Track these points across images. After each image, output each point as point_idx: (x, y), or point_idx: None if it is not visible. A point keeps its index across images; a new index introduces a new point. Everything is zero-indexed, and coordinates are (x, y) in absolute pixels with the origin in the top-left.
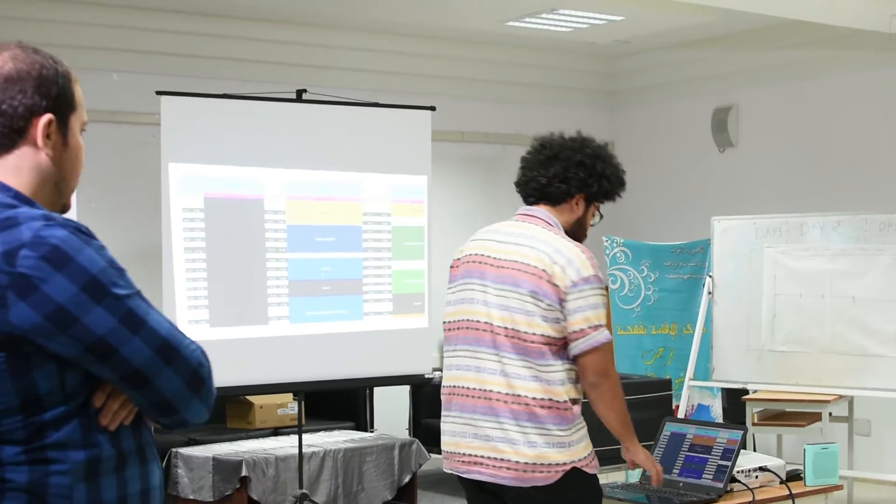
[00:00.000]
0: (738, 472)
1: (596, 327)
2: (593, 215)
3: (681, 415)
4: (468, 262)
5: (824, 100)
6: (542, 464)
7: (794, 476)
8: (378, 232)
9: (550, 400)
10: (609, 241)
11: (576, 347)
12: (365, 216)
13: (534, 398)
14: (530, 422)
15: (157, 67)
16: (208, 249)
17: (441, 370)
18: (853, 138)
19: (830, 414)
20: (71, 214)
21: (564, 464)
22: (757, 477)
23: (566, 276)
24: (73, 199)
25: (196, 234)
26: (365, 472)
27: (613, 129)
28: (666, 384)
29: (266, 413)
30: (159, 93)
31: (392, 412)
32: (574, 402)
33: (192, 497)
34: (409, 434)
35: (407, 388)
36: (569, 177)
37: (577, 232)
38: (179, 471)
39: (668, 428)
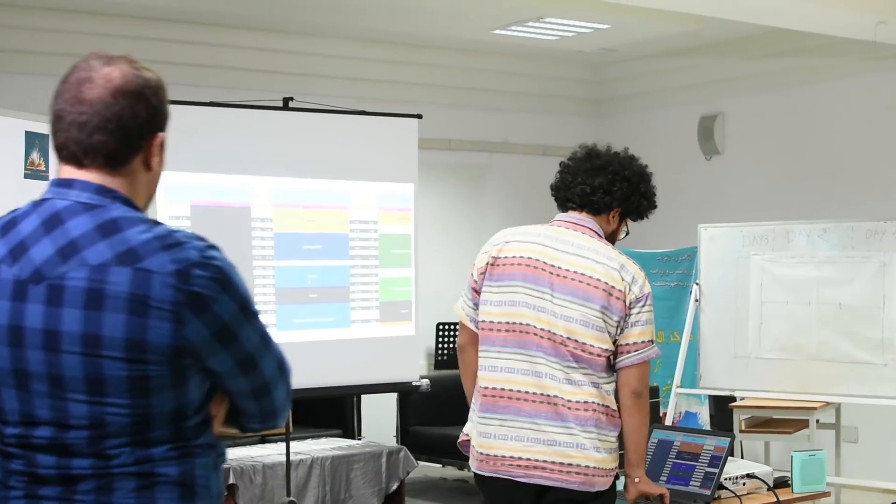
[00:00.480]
0: (725, 479)
1: (649, 343)
2: (622, 230)
3: (668, 422)
4: (518, 264)
5: (810, 108)
6: (603, 468)
7: (782, 483)
8: (365, 240)
9: (608, 408)
10: None
11: (627, 359)
12: (352, 224)
13: (598, 404)
14: (596, 428)
15: None
16: None
17: (428, 378)
18: (839, 146)
19: (818, 421)
20: None
21: (615, 469)
22: (744, 484)
23: (631, 293)
24: None
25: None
26: (352, 480)
27: (600, 136)
28: (653, 391)
29: None
30: None
31: (379, 419)
32: (617, 410)
33: None
34: (397, 441)
35: (394, 395)
36: (614, 190)
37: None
38: None
39: (656, 435)
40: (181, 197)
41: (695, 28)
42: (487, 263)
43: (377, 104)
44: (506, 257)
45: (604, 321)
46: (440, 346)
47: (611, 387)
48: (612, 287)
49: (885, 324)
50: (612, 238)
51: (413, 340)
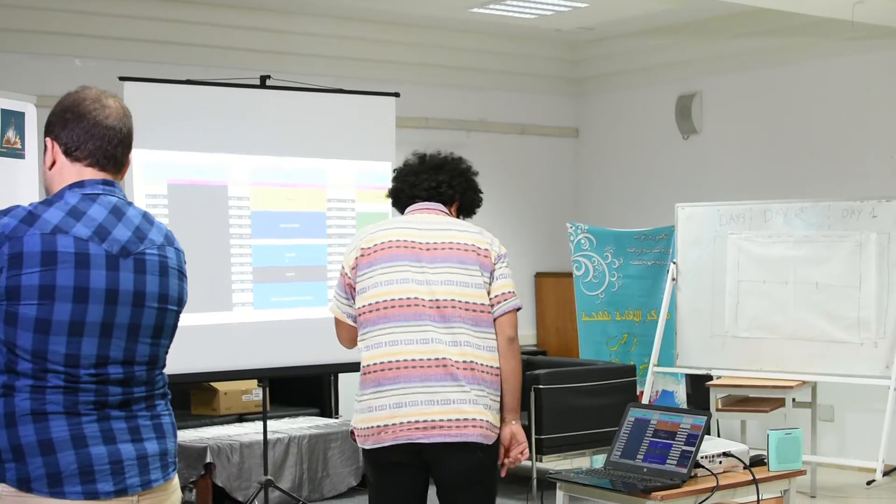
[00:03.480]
0: (701, 457)
1: (513, 293)
2: None
3: (645, 400)
4: (390, 247)
5: (788, 87)
6: (494, 424)
7: (758, 461)
8: (342, 218)
9: (492, 367)
10: (573, 228)
11: (499, 308)
12: (329, 202)
13: (486, 365)
14: (486, 386)
15: (120, 53)
16: None
17: None
18: (817, 126)
19: (794, 400)
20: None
21: (498, 425)
22: (721, 462)
23: (493, 252)
24: (35, 188)
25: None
26: (330, 459)
27: (578, 115)
28: (630, 370)
29: (230, 399)
30: (122, 78)
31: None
32: (499, 368)
33: None
34: None
35: None
36: (454, 183)
37: None
38: None
39: (633, 414)
40: (158, 176)
41: (673, 7)
42: (356, 257)
43: (355, 82)
44: (375, 245)
45: (481, 278)
46: None
47: (493, 343)
48: (479, 248)
49: (862, 303)
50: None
51: None
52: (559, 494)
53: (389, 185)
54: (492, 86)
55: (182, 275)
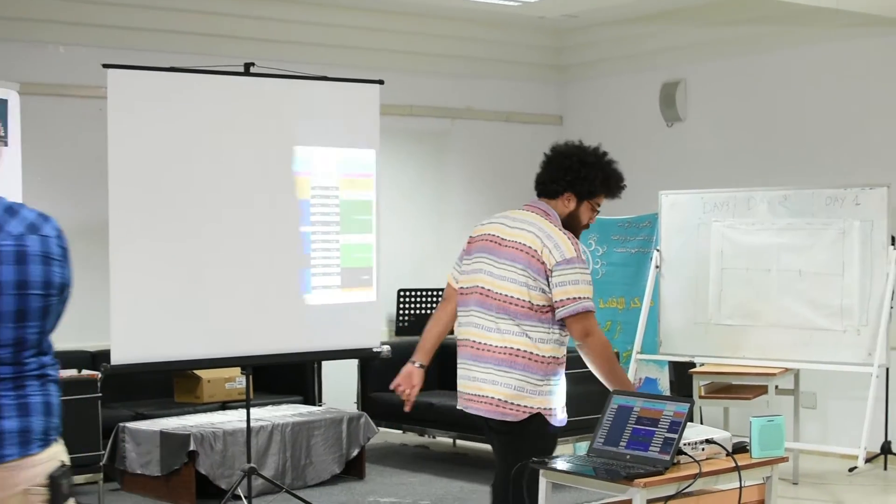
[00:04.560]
0: (684, 444)
1: (574, 299)
2: (593, 210)
3: None
4: (483, 240)
5: (772, 75)
6: (513, 403)
7: (741, 448)
8: (326, 206)
9: (533, 353)
10: None
11: (558, 314)
12: (313, 190)
13: (520, 350)
14: (513, 369)
15: (104, 40)
16: None
17: (389, 344)
18: (800, 113)
19: (776, 387)
20: (17, 189)
21: (532, 407)
22: (703, 449)
23: (552, 257)
24: (19, 173)
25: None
26: (313, 446)
27: (562, 103)
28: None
29: (214, 387)
30: (105, 66)
31: (340, 386)
32: (555, 359)
33: (139, 472)
34: (358, 408)
35: (355, 361)
36: (558, 178)
37: (569, 223)
38: (127, 445)
39: (615, 401)
40: None
41: None
42: (467, 243)
43: (339, 70)
44: (477, 236)
45: (524, 277)
46: (401, 312)
47: (542, 336)
48: (532, 249)
49: (844, 290)
50: (574, 217)
51: (374, 307)
52: (542, 481)
53: (373, 173)
54: (476, 73)
55: (49, 259)
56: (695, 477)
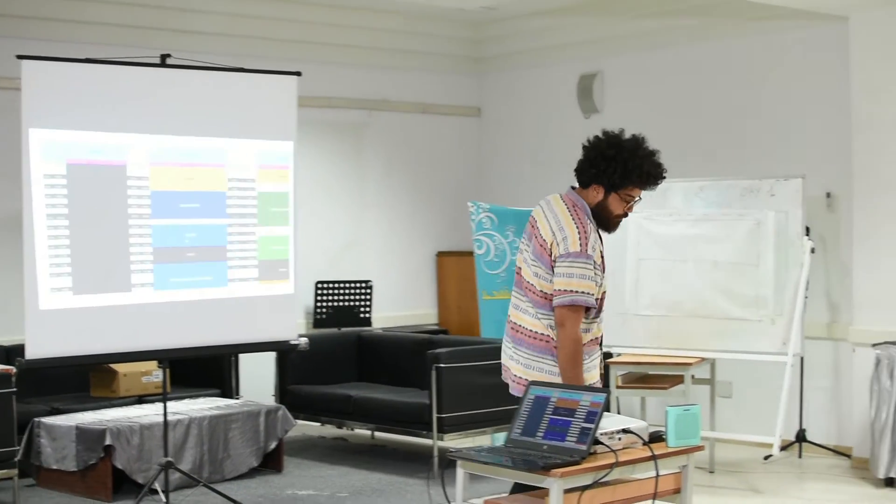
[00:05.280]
0: (601, 434)
1: (563, 291)
2: (625, 201)
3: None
4: (529, 223)
5: (689, 67)
6: (523, 378)
7: (657, 437)
8: (243, 198)
9: (541, 335)
10: (475, 207)
11: (553, 302)
12: (230, 182)
13: (533, 331)
14: (525, 348)
15: (19, 31)
16: (71, 216)
17: (307, 336)
18: (716, 105)
19: (693, 376)
20: None
21: (525, 378)
22: (620, 439)
23: (559, 249)
24: None
25: (58, 201)
26: (231, 439)
27: (480, 95)
28: None
29: (130, 381)
30: (20, 57)
31: (258, 379)
32: None
33: (55, 467)
34: (276, 400)
35: (273, 354)
36: (584, 168)
37: (599, 214)
38: (42, 440)
39: (533, 391)
40: (57, 155)
41: None
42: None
43: (256, 61)
44: (530, 219)
45: (538, 266)
46: (319, 304)
47: (552, 322)
48: (544, 240)
49: (760, 281)
50: (604, 208)
51: (291, 299)
52: (459, 472)
53: (290, 165)
54: (394, 65)
55: None
56: (611, 466)
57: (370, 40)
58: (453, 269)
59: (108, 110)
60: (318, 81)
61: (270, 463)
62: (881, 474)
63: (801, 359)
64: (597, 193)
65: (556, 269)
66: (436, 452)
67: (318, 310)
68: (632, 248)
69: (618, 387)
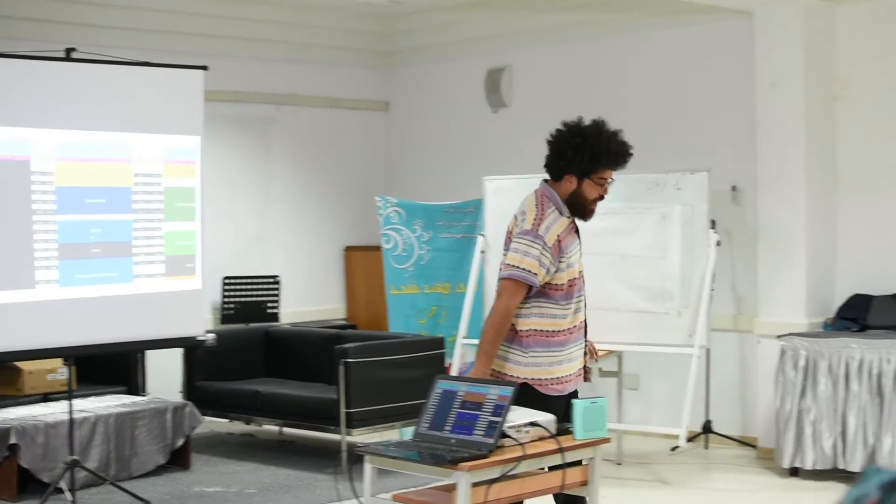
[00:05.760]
0: (508, 427)
1: (507, 266)
2: (599, 184)
3: (454, 372)
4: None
5: (596, 61)
6: (499, 372)
7: (564, 430)
8: (149, 193)
9: (513, 325)
10: (382, 201)
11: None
12: (136, 177)
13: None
14: (506, 340)
15: None
16: None
17: (214, 332)
18: (623, 99)
19: (600, 369)
20: None
21: (517, 377)
22: (528, 432)
23: (516, 227)
24: None
25: None
26: (137, 437)
27: (388, 89)
28: (439, 342)
29: (35, 379)
30: None
31: (165, 375)
32: (536, 332)
33: None
34: (183, 397)
35: (180, 350)
36: (553, 163)
37: (573, 203)
38: None
39: (440, 386)
40: None
41: None
42: None
43: (162, 55)
44: None
45: (504, 255)
46: (226, 300)
47: (522, 310)
48: (509, 229)
49: (666, 274)
50: (579, 196)
51: (199, 295)
52: (367, 467)
53: (197, 160)
54: (302, 59)
55: None
56: (518, 459)
57: (277, 34)
58: (361, 263)
59: (11, 105)
60: (224, 76)
61: (178, 460)
62: (786, 464)
63: (707, 351)
64: (570, 183)
65: (511, 245)
66: (344, 447)
67: (226, 305)
68: None
69: None
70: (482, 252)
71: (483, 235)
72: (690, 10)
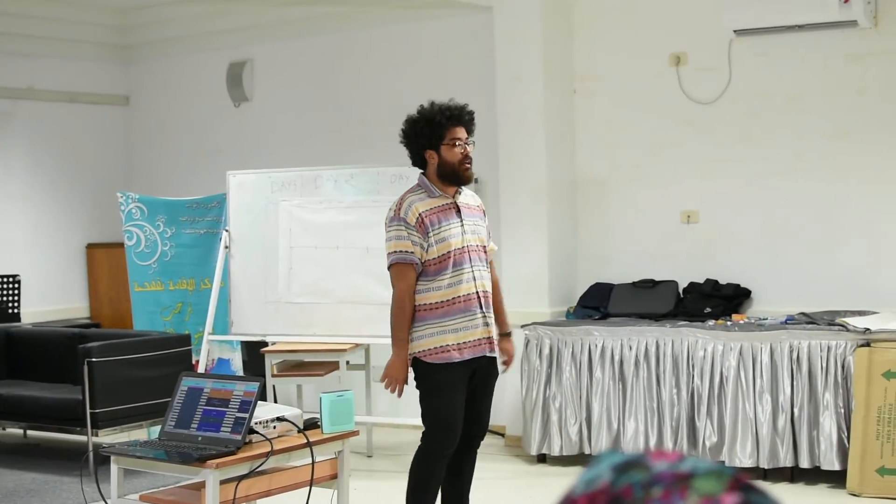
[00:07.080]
0: (256, 423)
1: (388, 255)
2: (454, 145)
3: (201, 370)
4: None
5: (337, 55)
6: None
7: (312, 424)
8: None
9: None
10: (124, 197)
11: None
12: None
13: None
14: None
15: None
16: None
17: None
18: (365, 93)
19: (348, 362)
20: None
21: (415, 353)
22: (275, 427)
23: (386, 218)
24: None
25: None
26: None
27: (129, 83)
28: (185, 339)
29: None
30: None
31: None
32: (419, 308)
33: None
34: None
35: None
36: (410, 153)
37: (445, 173)
38: None
39: (185, 383)
40: None
41: None
42: None
43: None
44: None
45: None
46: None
47: (421, 287)
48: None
49: None
50: (447, 164)
51: None
52: (114, 468)
53: None
54: (39, 52)
55: None
56: (267, 455)
57: (12, 26)
58: (104, 261)
59: None
60: None
61: None
62: (533, 451)
63: None
64: (433, 159)
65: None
66: (90, 448)
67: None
68: (283, 236)
69: (273, 375)
70: (226, 247)
71: (227, 230)
72: (431, 4)
